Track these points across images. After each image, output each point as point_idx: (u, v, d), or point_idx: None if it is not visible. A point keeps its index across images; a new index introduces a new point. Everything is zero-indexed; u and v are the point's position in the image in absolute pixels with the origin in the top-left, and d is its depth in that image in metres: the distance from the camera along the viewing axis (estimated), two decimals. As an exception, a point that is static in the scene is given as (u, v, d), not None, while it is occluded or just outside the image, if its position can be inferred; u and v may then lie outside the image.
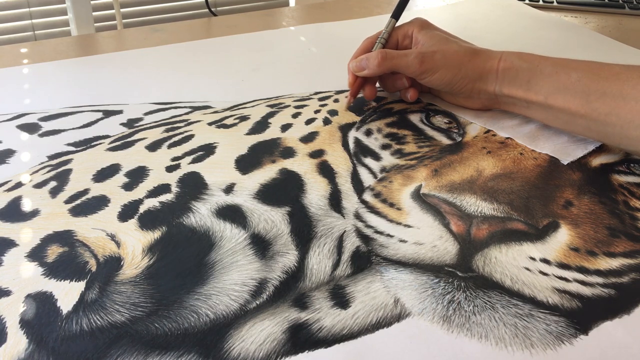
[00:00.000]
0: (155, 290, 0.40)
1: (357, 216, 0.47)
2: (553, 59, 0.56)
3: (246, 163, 0.53)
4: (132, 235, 0.44)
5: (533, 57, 0.56)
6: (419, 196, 0.48)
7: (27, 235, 0.44)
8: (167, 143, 0.56)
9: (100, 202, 0.48)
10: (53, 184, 0.50)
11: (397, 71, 0.61)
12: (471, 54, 0.58)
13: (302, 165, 0.53)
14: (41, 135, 0.58)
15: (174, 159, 0.54)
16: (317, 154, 0.54)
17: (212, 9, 1.26)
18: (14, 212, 0.47)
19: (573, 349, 0.37)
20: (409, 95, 0.63)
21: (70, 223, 0.46)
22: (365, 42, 0.64)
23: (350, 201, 0.48)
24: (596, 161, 0.54)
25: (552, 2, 1.03)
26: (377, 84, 0.65)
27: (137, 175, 0.51)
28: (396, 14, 0.65)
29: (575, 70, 0.53)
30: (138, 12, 1.56)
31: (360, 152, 0.55)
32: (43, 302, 0.39)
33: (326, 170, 0.52)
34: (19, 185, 0.50)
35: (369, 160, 0.54)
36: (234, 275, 0.41)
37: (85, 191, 0.49)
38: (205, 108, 0.64)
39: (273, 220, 0.46)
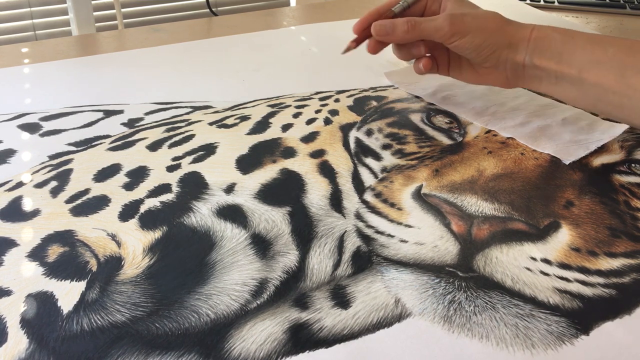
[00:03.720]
0: (156, 290, 0.40)
1: (358, 216, 0.47)
2: (588, 34, 0.54)
3: (247, 163, 0.53)
4: (133, 235, 0.44)
5: (567, 30, 0.55)
6: (419, 196, 0.48)
7: (27, 235, 0.44)
8: (167, 143, 0.56)
9: (101, 202, 0.48)
10: (54, 183, 0.50)
11: (425, 38, 0.57)
12: (502, 21, 0.56)
13: (302, 165, 0.53)
14: (42, 135, 0.58)
15: (175, 158, 0.54)
16: (317, 153, 0.54)
17: (213, 9, 1.26)
18: (14, 212, 0.47)
19: (574, 349, 0.37)
20: (422, 65, 0.59)
21: (71, 223, 0.46)
22: (374, 9, 0.59)
23: (351, 201, 0.48)
24: (597, 161, 0.54)
25: (553, 2, 1.03)
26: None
27: (138, 175, 0.51)
28: None
29: (611, 45, 0.52)
30: (139, 12, 1.56)
31: (361, 152, 0.55)
32: (44, 301, 0.39)
33: (327, 170, 0.52)
34: (19, 185, 0.50)
35: (369, 160, 0.54)
36: (235, 275, 0.41)
37: (86, 191, 0.49)
38: (206, 108, 0.64)
39: (274, 220, 0.46)
